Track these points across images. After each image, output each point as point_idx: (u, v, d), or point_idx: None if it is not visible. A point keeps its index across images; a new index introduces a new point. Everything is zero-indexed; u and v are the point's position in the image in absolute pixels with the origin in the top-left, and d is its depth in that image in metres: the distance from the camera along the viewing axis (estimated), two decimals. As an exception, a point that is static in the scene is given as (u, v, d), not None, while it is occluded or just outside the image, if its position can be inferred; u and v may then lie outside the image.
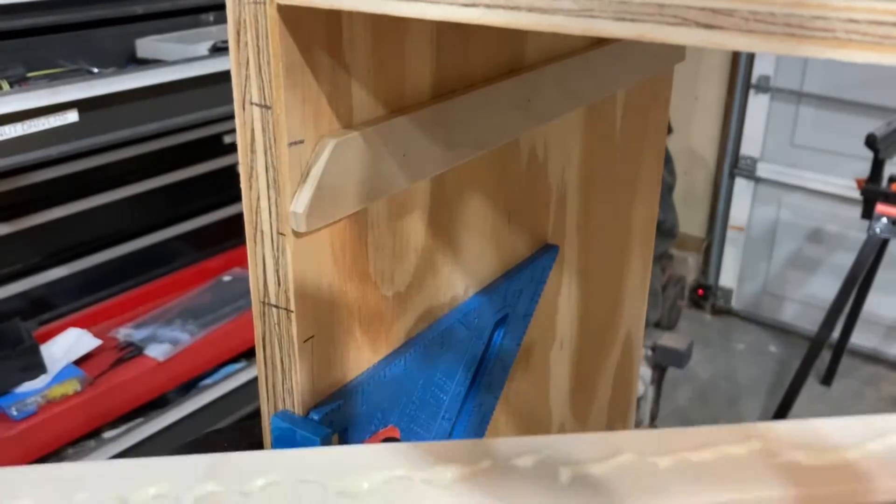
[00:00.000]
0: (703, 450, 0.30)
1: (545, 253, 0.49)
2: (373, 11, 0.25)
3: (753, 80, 2.74)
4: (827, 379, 2.60)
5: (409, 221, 0.37)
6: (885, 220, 1.98)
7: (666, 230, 2.70)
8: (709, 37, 0.20)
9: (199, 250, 1.80)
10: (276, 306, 0.32)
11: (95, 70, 1.38)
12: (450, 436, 0.45)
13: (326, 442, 0.33)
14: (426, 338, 0.40)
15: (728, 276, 2.98)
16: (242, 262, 1.74)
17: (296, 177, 0.30)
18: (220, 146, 1.76)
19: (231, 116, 0.31)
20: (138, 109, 1.34)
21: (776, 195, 2.82)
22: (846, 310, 2.25)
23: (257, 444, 0.35)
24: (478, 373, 0.46)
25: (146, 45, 1.49)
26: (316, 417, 0.33)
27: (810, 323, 2.66)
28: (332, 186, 0.31)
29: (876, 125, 1.97)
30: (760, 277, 2.93)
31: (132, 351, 1.50)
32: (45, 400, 1.35)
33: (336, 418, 0.34)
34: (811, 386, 2.53)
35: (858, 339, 2.60)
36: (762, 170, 2.82)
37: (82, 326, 1.50)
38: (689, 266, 2.96)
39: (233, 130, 0.38)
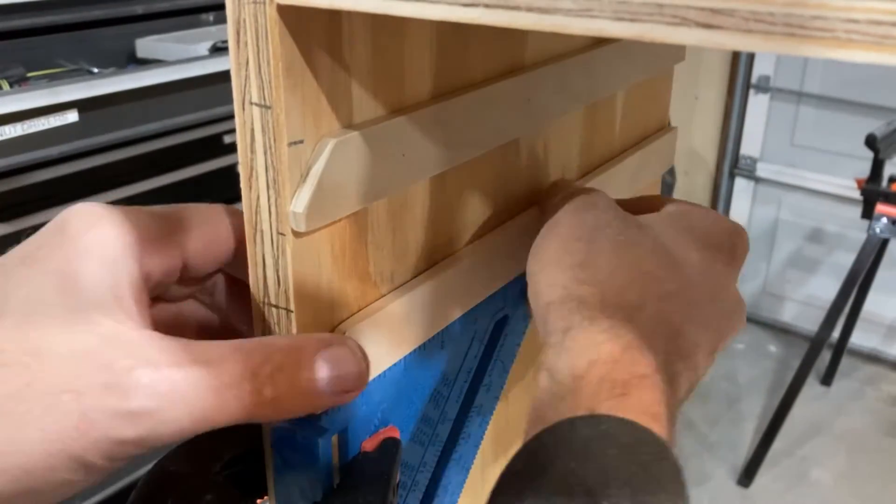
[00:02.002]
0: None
1: (545, 253, 0.49)
2: (373, 11, 0.25)
3: (753, 80, 2.75)
4: (827, 379, 2.60)
5: (409, 221, 0.37)
6: (885, 220, 1.98)
7: (666, 230, 2.70)
8: (709, 37, 0.20)
9: (199, 250, 1.80)
10: (276, 306, 0.32)
11: (95, 70, 1.38)
12: (450, 436, 0.45)
13: (326, 442, 0.33)
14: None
15: (728, 276, 2.98)
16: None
17: (295, 177, 0.30)
18: (220, 146, 1.76)
19: (231, 116, 0.31)
20: (138, 109, 1.34)
21: (776, 195, 2.82)
22: (846, 310, 2.25)
23: (257, 444, 0.35)
24: (477, 373, 0.46)
25: (146, 45, 1.50)
26: (316, 417, 0.33)
27: (810, 323, 2.66)
28: (332, 186, 0.31)
29: (876, 125, 1.97)
30: (760, 277, 2.93)
31: (132, 351, 1.50)
32: (45, 400, 1.35)
33: (336, 418, 0.34)
34: (811, 386, 2.53)
35: (858, 339, 2.61)
36: (762, 170, 2.82)
37: (82, 326, 1.50)
38: (689, 266, 2.96)
39: (233, 130, 0.38)
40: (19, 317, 0.26)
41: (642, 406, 0.30)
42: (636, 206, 0.40)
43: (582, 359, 0.31)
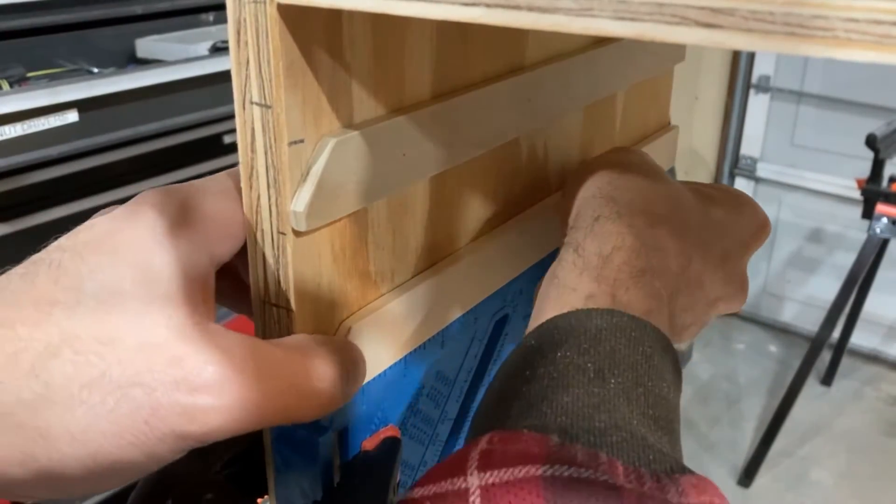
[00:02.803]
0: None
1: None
2: (373, 11, 0.25)
3: (753, 80, 2.74)
4: (827, 379, 2.60)
5: (409, 221, 0.37)
6: (885, 220, 1.98)
7: (666, 230, 2.69)
8: (709, 36, 0.20)
9: (199, 250, 1.80)
10: (276, 305, 0.32)
11: (95, 70, 1.38)
12: (450, 436, 0.45)
13: (326, 441, 0.33)
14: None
15: (728, 276, 2.98)
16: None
17: (296, 176, 0.30)
18: (220, 146, 1.76)
19: (231, 116, 0.31)
20: (138, 109, 1.34)
21: (776, 195, 2.82)
22: (846, 310, 2.25)
23: (257, 443, 0.36)
24: (477, 373, 0.46)
25: (146, 45, 1.50)
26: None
27: (810, 323, 2.66)
28: (333, 186, 0.31)
29: (876, 125, 1.97)
30: (760, 277, 2.93)
31: (132, 351, 1.50)
32: (46, 400, 1.35)
33: (336, 417, 0.34)
34: (811, 386, 2.53)
35: (858, 339, 2.61)
36: (762, 170, 2.82)
37: (82, 326, 1.50)
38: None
39: (233, 130, 0.38)
40: (94, 304, 0.27)
41: (653, 291, 0.34)
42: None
43: (608, 244, 0.35)
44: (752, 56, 2.68)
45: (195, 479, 0.35)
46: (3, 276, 0.28)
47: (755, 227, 0.42)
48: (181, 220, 0.29)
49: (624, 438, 0.27)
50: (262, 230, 0.31)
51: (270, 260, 0.31)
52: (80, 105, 1.24)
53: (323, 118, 0.31)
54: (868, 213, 2.00)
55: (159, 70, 1.34)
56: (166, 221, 0.29)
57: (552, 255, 0.50)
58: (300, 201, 0.30)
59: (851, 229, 2.58)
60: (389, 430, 0.38)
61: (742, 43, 0.19)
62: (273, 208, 0.30)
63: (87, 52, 1.43)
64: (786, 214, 2.81)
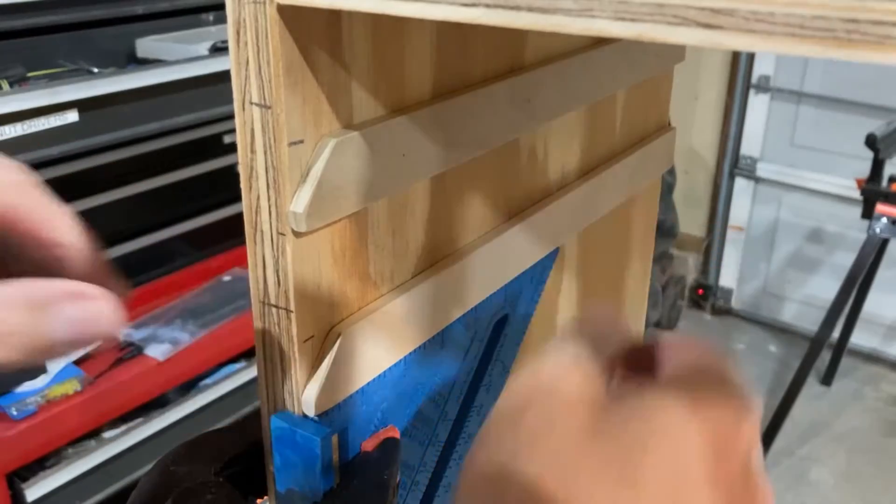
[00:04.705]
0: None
1: (545, 253, 0.49)
2: (373, 11, 0.25)
3: (753, 80, 2.74)
4: (827, 379, 2.60)
5: (409, 221, 0.37)
6: (885, 219, 1.98)
7: (666, 230, 2.70)
8: (709, 37, 0.20)
9: (199, 250, 1.80)
10: (276, 306, 0.32)
11: (95, 70, 1.38)
12: (450, 436, 0.45)
13: (326, 442, 0.33)
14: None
15: (728, 276, 2.98)
16: (242, 262, 1.73)
17: (296, 177, 0.30)
18: (220, 146, 1.76)
19: (231, 116, 0.31)
20: (138, 109, 1.34)
21: (776, 195, 2.82)
22: (846, 310, 2.25)
23: (257, 444, 0.35)
24: (477, 373, 0.46)
25: (146, 45, 1.50)
26: (315, 417, 0.33)
27: (810, 323, 2.66)
28: (332, 186, 0.31)
29: (876, 125, 1.97)
30: (760, 277, 2.93)
31: (132, 351, 1.50)
32: (45, 400, 1.35)
33: (336, 418, 0.34)
34: (811, 386, 2.53)
35: (858, 339, 2.60)
36: (762, 170, 2.82)
37: (82, 326, 1.50)
38: (689, 266, 2.96)
39: (233, 130, 0.38)
40: None
41: None
42: (638, 357, 0.31)
43: None
44: (752, 56, 2.68)
45: (195, 480, 0.35)
46: None
47: (753, 423, 0.27)
48: None
49: None
50: (262, 231, 0.31)
51: (270, 260, 0.31)
52: (80, 105, 1.24)
53: (323, 118, 0.31)
54: (868, 213, 2.00)
55: (159, 70, 1.35)
56: None
57: (552, 255, 0.50)
58: (300, 202, 0.30)
59: (851, 229, 2.58)
60: (389, 431, 0.37)
61: (743, 43, 0.19)
62: (272, 209, 0.30)
63: (87, 52, 1.43)
64: (786, 214, 2.81)
